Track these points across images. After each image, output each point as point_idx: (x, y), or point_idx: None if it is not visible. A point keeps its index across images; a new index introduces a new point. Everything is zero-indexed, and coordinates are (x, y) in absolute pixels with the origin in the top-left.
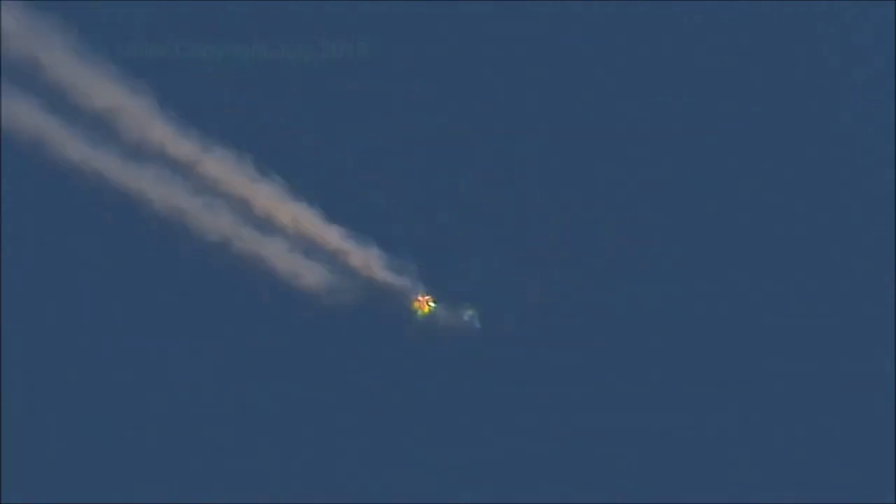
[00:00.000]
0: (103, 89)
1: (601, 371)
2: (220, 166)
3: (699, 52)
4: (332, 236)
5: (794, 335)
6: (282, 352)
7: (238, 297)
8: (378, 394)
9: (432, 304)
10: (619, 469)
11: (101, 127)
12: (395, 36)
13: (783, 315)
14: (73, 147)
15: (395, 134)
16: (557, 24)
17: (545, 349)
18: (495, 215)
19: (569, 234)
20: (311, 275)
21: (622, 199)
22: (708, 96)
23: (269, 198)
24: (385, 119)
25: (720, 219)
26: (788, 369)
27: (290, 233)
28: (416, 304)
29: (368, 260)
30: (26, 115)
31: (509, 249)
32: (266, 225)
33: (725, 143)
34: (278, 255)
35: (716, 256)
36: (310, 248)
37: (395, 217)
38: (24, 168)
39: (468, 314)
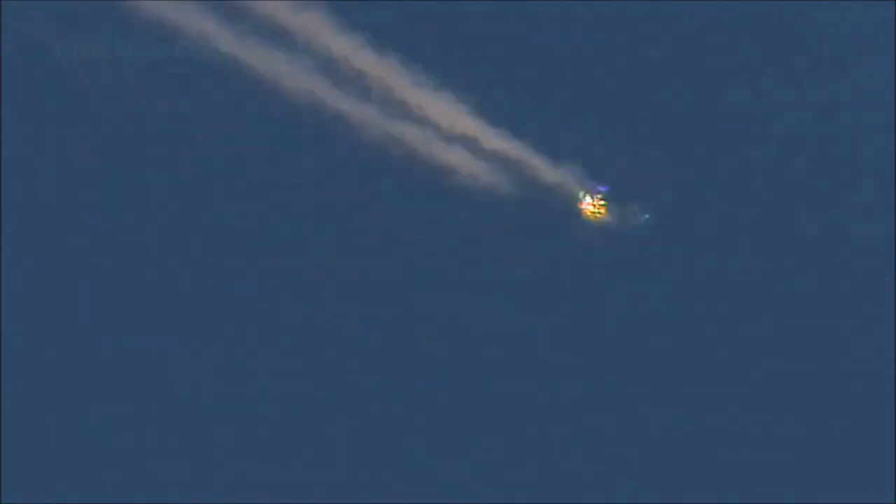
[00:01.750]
0: None
1: (601, 371)
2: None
3: (698, 51)
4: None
5: (794, 335)
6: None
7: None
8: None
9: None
10: (619, 469)
11: None
12: None
13: (783, 315)
14: None
15: None
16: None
17: (545, 349)
18: None
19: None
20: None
21: (620, 197)
22: (707, 96)
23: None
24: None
25: (720, 219)
26: (788, 369)
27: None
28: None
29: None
30: None
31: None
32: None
33: (724, 144)
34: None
35: (716, 256)
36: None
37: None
38: (24, 168)
39: (640, 213)
